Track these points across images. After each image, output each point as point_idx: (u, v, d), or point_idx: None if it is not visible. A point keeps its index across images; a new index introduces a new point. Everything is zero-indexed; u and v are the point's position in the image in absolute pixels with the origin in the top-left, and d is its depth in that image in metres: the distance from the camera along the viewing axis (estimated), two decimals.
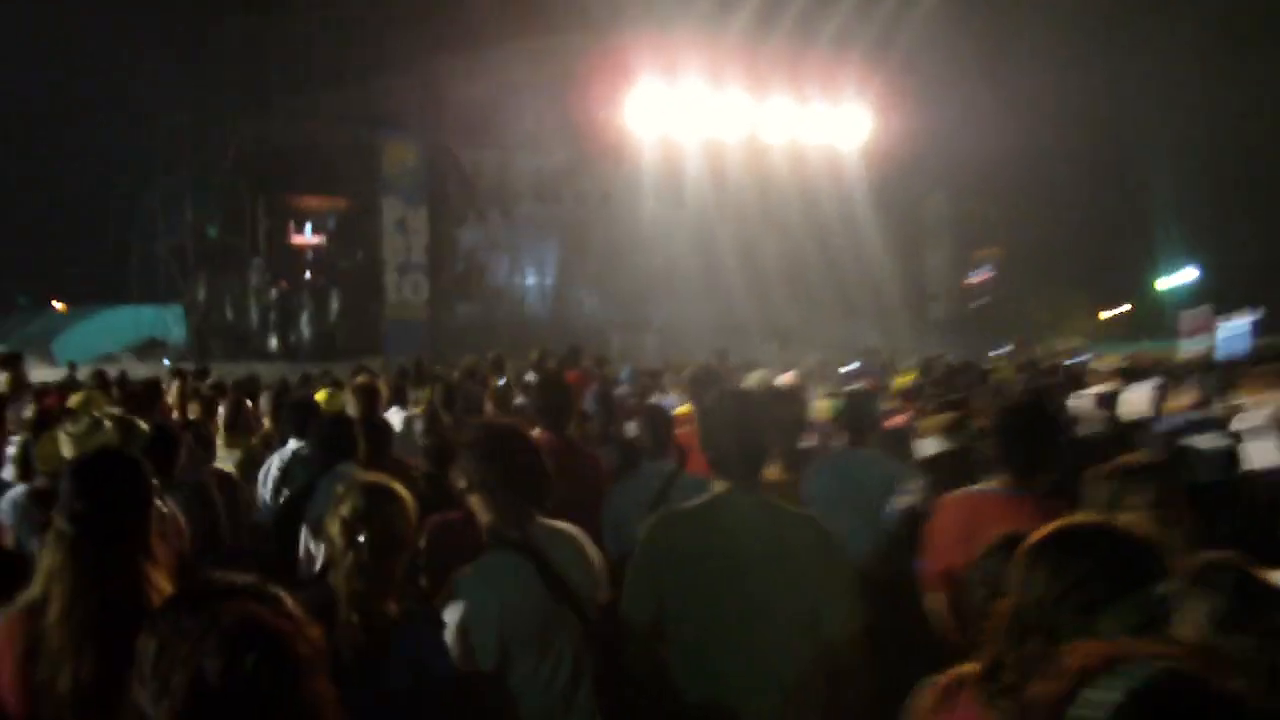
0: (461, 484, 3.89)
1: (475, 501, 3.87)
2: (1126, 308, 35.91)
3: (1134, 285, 35.72)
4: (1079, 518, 2.66)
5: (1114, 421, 7.97)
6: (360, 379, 8.96)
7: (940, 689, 2.66)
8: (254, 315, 28.49)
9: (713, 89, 30.25)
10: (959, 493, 4.61)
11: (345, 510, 3.41)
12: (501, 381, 13.84)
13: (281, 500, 6.32)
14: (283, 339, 28.36)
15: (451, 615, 3.54)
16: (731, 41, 29.57)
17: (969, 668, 2.61)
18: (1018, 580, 2.52)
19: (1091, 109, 32.41)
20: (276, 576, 2.24)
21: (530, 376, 13.47)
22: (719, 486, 3.76)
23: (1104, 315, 35.43)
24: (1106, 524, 2.60)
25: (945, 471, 4.99)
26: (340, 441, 5.93)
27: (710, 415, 3.84)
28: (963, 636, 4.15)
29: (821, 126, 32.53)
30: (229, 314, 28.78)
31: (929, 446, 5.50)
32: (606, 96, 29.24)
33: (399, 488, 3.53)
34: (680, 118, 30.24)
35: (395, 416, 9.55)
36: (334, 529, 3.41)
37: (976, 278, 39.90)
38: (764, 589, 3.57)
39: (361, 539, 3.35)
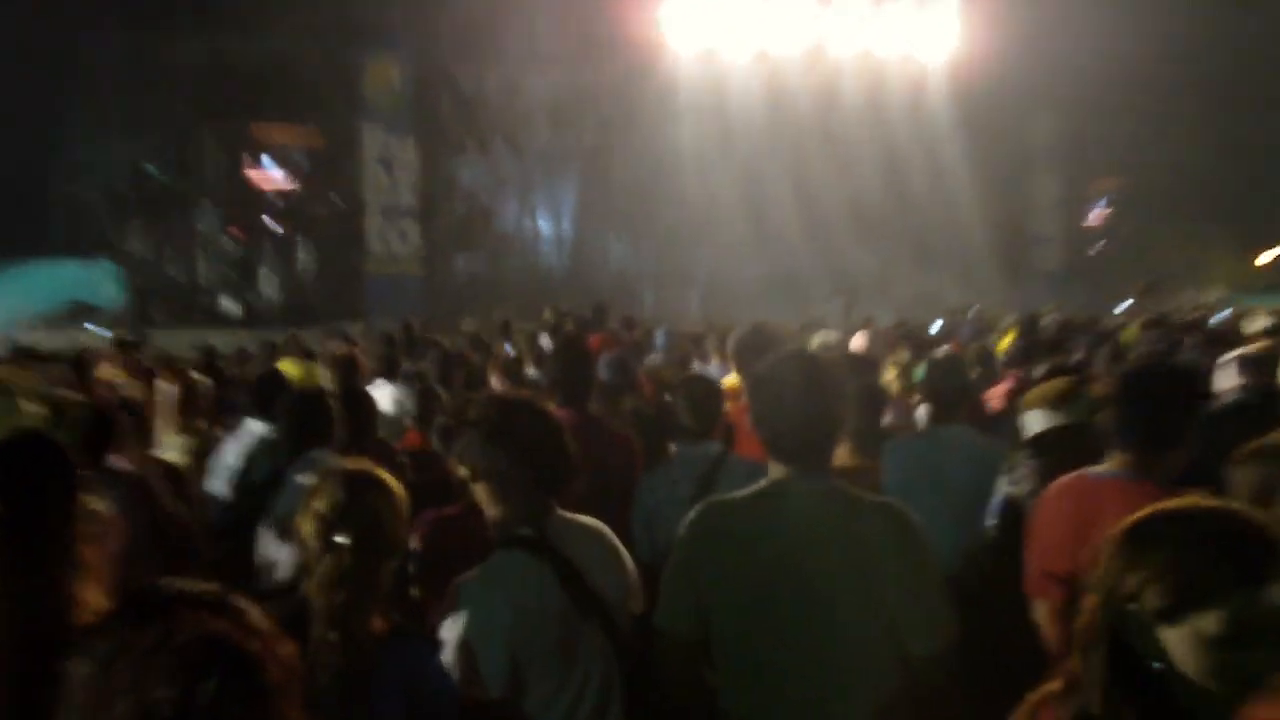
0: (463, 472, 3.90)
1: (481, 492, 3.87)
2: None
3: None
4: (1184, 500, 2.63)
5: (1267, 391, 7.88)
6: (337, 348, 9.02)
7: (1028, 708, 2.67)
8: (204, 272, 28.64)
9: None
10: (1069, 478, 4.58)
11: (320, 505, 3.42)
12: (510, 349, 13.89)
13: (241, 494, 6.35)
14: (241, 300, 28.49)
15: (452, 630, 3.56)
16: None
17: (1055, 683, 2.63)
18: (1095, 575, 2.52)
19: None
20: (236, 586, 2.23)
21: (545, 342, 13.51)
22: (776, 472, 3.73)
23: (1259, 260, 34.95)
24: (1217, 508, 2.58)
25: (1057, 452, 4.93)
26: (313, 422, 5.96)
27: (765, 385, 3.79)
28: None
29: (900, 35, 32.23)
30: (173, 270, 28.93)
31: (1036, 422, 5.45)
32: (636, 1, 29.11)
33: (386, 477, 3.54)
34: (726, 26, 30.03)
35: (382, 393, 9.59)
36: (307, 529, 3.41)
37: (1093, 216, 39.59)
38: (833, 597, 3.55)
39: (341, 540, 3.36)
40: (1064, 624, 4.36)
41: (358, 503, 3.41)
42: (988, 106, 33.23)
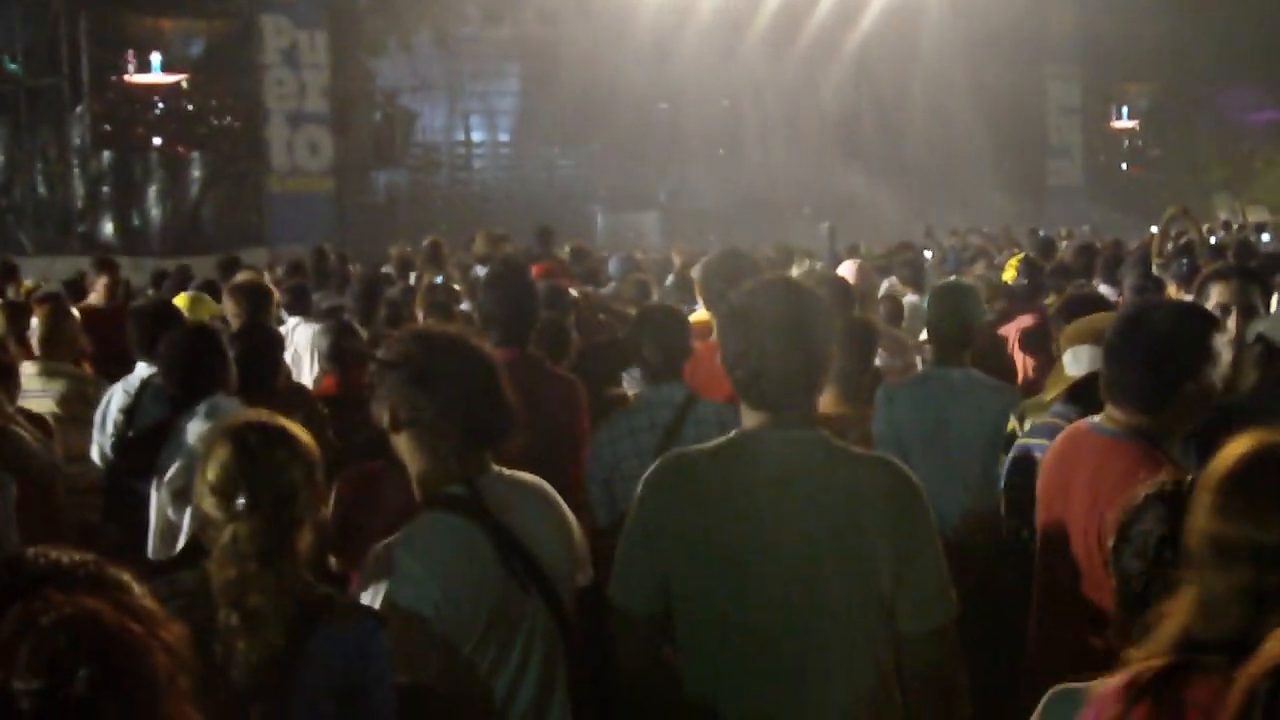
0: (384, 420, 3.85)
1: (402, 445, 3.84)
2: None
3: None
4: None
5: None
6: (242, 276, 8.97)
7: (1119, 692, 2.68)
8: (78, 189, 28.36)
9: None
10: (1068, 429, 4.61)
11: (215, 465, 3.37)
12: (439, 278, 13.84)
13: (124, 448, 6.32)
14: (122, 223, 28.26)
15: (371, 604, 3.54)
16: None
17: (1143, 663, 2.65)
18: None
19: None
20: (118, 557, 2.18)
21: (480, 271, 13.46)
22: (751, 420, 3.70)
23: None
24: None
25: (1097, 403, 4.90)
26: (209, 364, 5.92)
27: (738, 319, 3.73)
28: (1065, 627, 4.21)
29: None
30: (40, 188, 28.65)
31: (1078, 362, 5.37)
32: None
33: (293, 428, 3.50)
34: None
35: (296, 332, 9.59)
36: (203, 491, 3.37)
37: (1122, 124, 39.75)
38: (814, 565, 3.54)
39: (241, 503, 3.31)
40: (1039, 590, 4.44)
41: (259, 459, 3.36)
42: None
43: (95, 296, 12.10)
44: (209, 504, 3.35)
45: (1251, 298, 5.94)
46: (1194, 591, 2.64)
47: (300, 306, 10.41)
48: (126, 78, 28.84)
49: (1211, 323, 4.38)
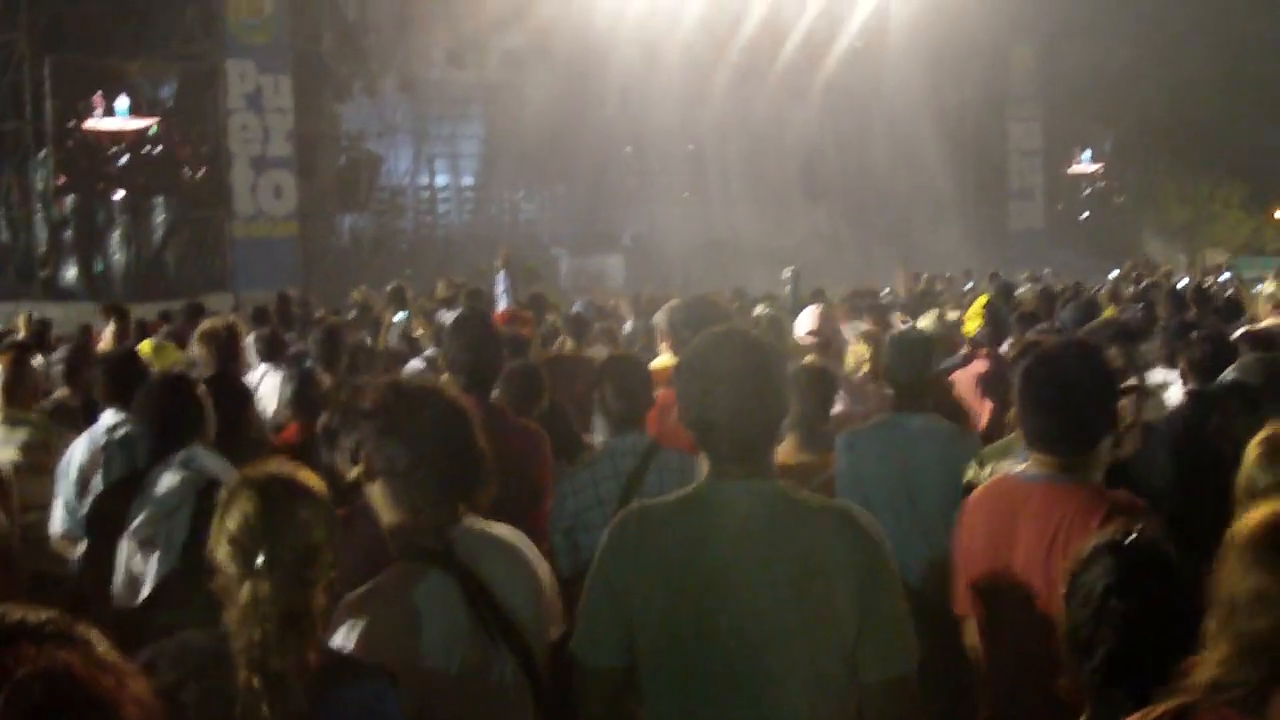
0: (355, 471, 3.88)
1: (376, 495, 3.86)
2: None
3: None
4: None
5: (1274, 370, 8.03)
6: (211, 322, 8.95)
7: None
8: (40, 235, 28.28)
9: None
10: (992, 480, 4.69)
11: (234, 522, 3.30)
12: (399, 317, 13.90)
13: (94, 499, 6.32)
14: (85, 269, 28.19)
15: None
16: None
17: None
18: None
19: None
20: (80, 607, 2.19)
21: (443, 315, 13.52)
22: (709, 472, 3.74)
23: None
24: None
25: None
26: (182, 414, 5.92)
27: (692, 371, 3.78)
28: (1009, 679, 4.27)
29: None
30: (2, 233, 28.55)
31: None
32: None
33: (311, 481, 3.44)
34: None
35: (264, 379, 9.61)
36: (220, 541, 3.29)
37: (1082, 167, 39.98)
38: (776, 619, 3.56)
39: (261, 560, 3.24)
40: (987, 645, 4.46)
41: (284, 516, 3.31)
42: (960, 38, 33.41)
43: (104, 344, 12.02)
44: (225, 555, 3.27)
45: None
46: (1226, 642, 2.74)
47: (272, 354, 10.40)
48: (90, 124, 28.78)
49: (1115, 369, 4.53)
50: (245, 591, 3.22)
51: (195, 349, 8.72)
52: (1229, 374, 7.69)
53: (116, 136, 29.20)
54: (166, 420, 5.90)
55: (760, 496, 3.67)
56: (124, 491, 5.72)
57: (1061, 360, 4.48)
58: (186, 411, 5.94)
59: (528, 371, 7.66)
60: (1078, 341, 6.23)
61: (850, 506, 3.82)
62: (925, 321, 12.83)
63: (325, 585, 3.36)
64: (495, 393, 6.85)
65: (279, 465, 3.49)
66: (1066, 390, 4.31)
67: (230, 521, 3.30)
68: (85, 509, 6.40)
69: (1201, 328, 9.24)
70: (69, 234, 28.33)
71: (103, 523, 5.69)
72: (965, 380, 9.46)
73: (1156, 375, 8.85)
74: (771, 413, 3.76)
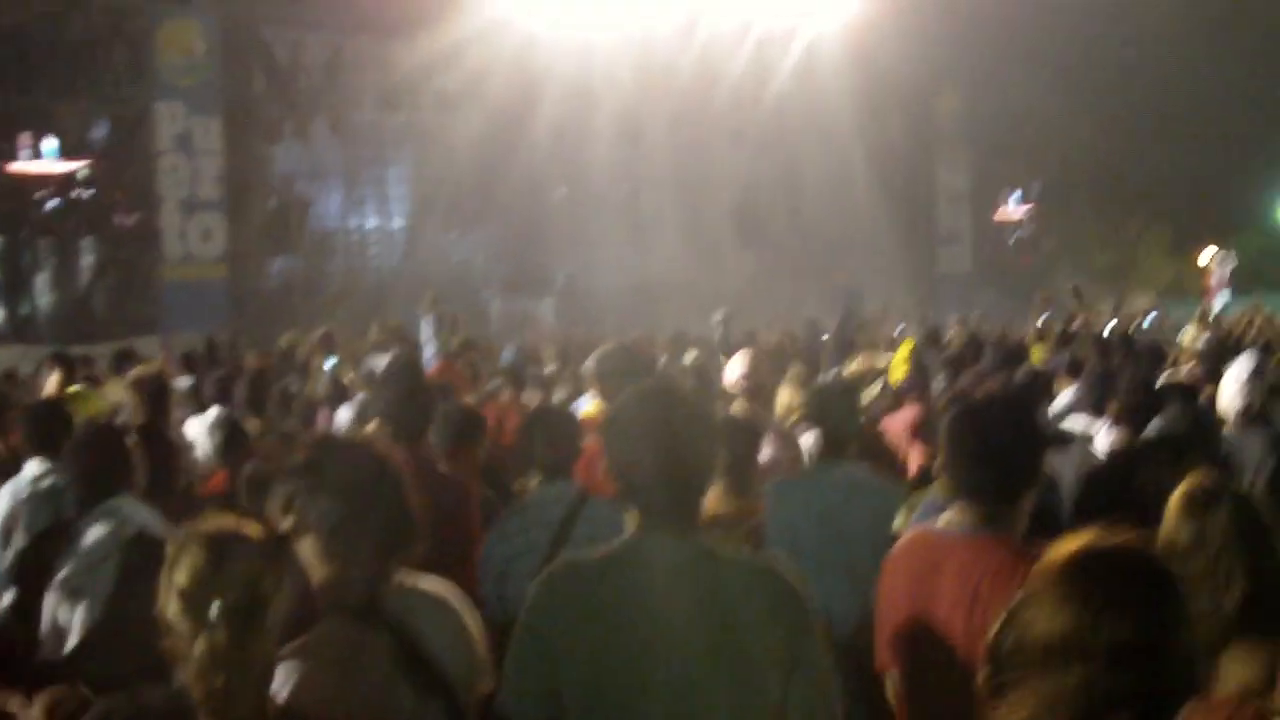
0: (286, 524, 3.85)
1: (307, 550, 3.85)
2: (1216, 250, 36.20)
3: (1244, 215, 35.90)
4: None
5: (1196, 420, 8.15)
6: (140, 370, 8.88)
7: None
8: None
9: None
10: (912, 533, 4.74)
11: (188, 571, 3.31)
12: (330, 362, 13.86)
13: (19, 550, 6.28)
14: (11, 311, 27.97)
15: None
16: None
17: None
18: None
19: None
20: (8, 666, 2.20)
21: (372, 361, 13.51)
22: (636, 528, 3.78)
23: (1201, 259, 35.59)
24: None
25: None
26: (110, 465, 5.90)
27: (617, 427, 3.84)
28: None
29: (786, 4, 32.29)
30: None
31: None
32: None
33: (257, 532, 3.46)
34: None
35: (190, 426, 9.57)
36: (172, 607, 3.28)
37: (1011, 211, 40.36)
38: (705, 673, 3.59)
39: (215, 612, 3.24)
40: (908, 699, 4.48)
41: (229, 567, 3.30)
42: (885, 83, 33.70)
43: (49, 390, 11.80)
44: (177, 610, 3.27)
45: None
46: (1029, 696, 2.75)
47: (199, 401, 10.35)
48: (16, 166, 28.59)
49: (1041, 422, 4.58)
50: (201, 644, 3.23)
51: (124, 396, 8.66)
52: (1155, 425, 7.83)
53: (43, 180, 29.02)
54: (94, 471, 5.88)
55: (687, 553, 3.71)
56: (51, 542, 5.69)
57: (988, 413, 4.55)
58: (114, 462, 5.92)
59: (465, 414, 7.60)
60: (1005, 394, 6.32)
61: (776, 562, 3.85)
62: (851, 366, 12.95)
63: (275, 635, 3.37)
64: (433, 436, 6.87)
65: (222, 518, 3.48)
66: (992, 443, 4.35)
67: (180, 576, 3.30)
68: (8, 560, 6.35)
69: (1125, 374, 9.40)
70: None
71: (29, 574, 5.65)
72: (895, 427, 9.55)
73: (1080, 422, 8.95)
74: (698, 469, 3.80)
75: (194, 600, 3.27)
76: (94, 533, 5.44)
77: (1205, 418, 8.29)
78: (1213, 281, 25.95)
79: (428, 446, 6.75)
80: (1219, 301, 23.77)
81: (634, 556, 3.73)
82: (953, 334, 18.81)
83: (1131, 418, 8.00)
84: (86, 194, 29.27)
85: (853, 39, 32.29)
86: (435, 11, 28.73)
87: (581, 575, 3.78)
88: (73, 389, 10.22)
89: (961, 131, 38.12)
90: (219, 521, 3.46)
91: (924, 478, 7.86)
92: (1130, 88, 34.60)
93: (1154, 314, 23.83)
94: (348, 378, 13.27)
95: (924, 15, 31.70)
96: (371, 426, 8.02)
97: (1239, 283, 30.00)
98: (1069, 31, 31.84)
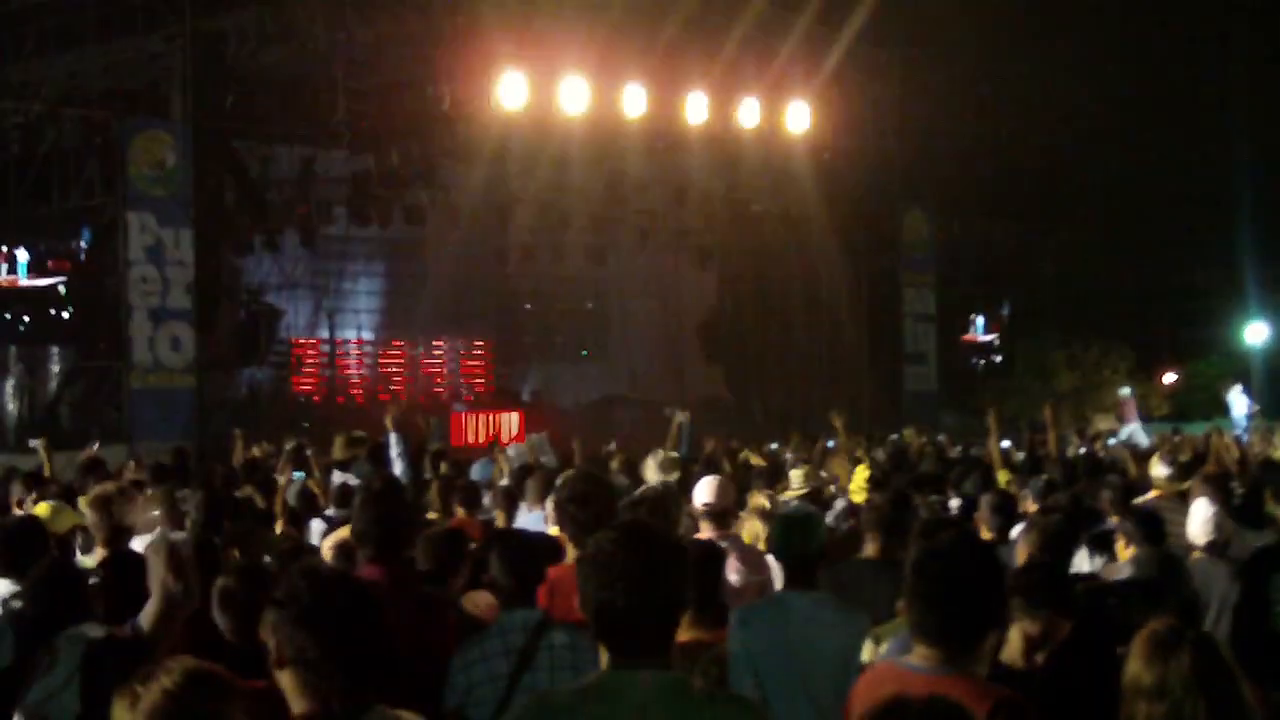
0: (271, 653, 3.89)
1: (286, 681, 3.87)
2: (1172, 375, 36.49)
3: (1210, 335, 36.18)
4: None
5: (1162, 563, 8.14)
6: (103, 488, 8.79)
7: None
8: None
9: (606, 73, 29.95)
10: (877, 667, 4.77)
11: (151, 716, 3.37)
12: (299, 476, 13.81)
13: None
14: None
15: None
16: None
17: None
18: None
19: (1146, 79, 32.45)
20: None
21: (338, 475, 13.49)
22: (609, 663, 3.83)
23: (1165, 379, 35.81)
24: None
25: None
26: (74, 594, 5.87)
27: (591, 567, 3.89)
28: None
29: (756, 117, 32.33)
30: None
31: None
32: (455, 68, 28.98)
33: (226, 676, 3.50)
34: (563, 101, 29.75)
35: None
36: None
37: (974, 336, 40.62)
38: None
39: None
40: None
41: (202, 708, 3.37)
42: (853, 204, 33.95)
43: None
44: None
45: None
46: None
47: (176, 516, 10.27)
48: None
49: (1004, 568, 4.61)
50: None
51: (88, 513, 8.59)
52: (1125, 568, 7.86)
53: (13, 286, 28.97)
54: (64, 594, 5.85)
55: (658, 687, 3.76)
56: (16, 678, 5.65)
57: (952, 556, 4.54)
58: (79, 592, 5.88)
59: (451, 537, 7.62)
60: (969, 537, 6.34)
61: (744, 701, 3.91)
62: (797, 475, 12.88)
63: None
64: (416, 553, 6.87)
65: (187, 660, 3.53)
66: (955, 587, 4.38)
67: (143, 713, 3.35)
68: None
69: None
70: None
71: None
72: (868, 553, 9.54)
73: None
74: (669, 606, 3.87)
75: None
76: (60, 661, 5.41)
77: (1172, 559, 8.25)
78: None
79: (408, 564, 6.75)
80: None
81: (609, 688, 3.78)
82: (909, 432, 18.86)
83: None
84: (55, 301, 29.20)
85: (821, 164, 32.49)
86: (406, 125, 28.93)
87: (555, 707, 3.82)
88: (42, 507, 10.12)
89: (929, 254, 38.36)
90: (184, 664, 3.51)
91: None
92: (1092, 216, 35.00)
93: (1136, 424, 24.20)
94: (316, 490, 13.23)
95: (886, 134, 32.04)
96: (342, 534, 8.04)
97: (1201, 408, 30.37)
98: (1037, 148, 32.18)
